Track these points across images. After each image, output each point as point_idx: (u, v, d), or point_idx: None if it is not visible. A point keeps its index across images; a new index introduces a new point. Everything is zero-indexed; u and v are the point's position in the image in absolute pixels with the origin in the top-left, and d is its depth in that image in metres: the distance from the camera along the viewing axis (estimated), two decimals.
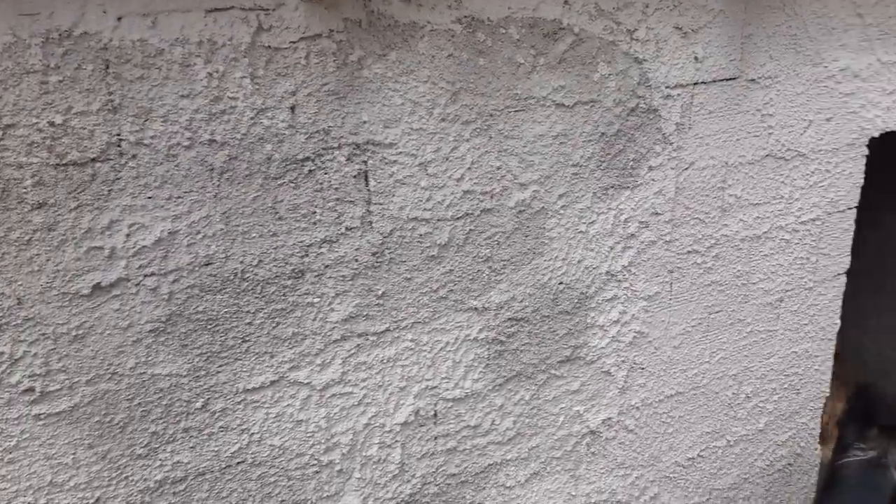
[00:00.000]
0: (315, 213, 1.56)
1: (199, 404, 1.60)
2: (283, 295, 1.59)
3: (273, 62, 1.44)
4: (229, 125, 1.43)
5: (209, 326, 1.54)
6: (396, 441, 1.87)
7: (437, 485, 1.98)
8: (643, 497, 2.42)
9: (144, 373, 1.51)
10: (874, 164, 2.55)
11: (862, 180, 2.46)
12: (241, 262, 1.53)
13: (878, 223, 4.12)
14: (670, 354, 2.29)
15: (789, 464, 2.77)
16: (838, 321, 2.64)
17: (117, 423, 1.52)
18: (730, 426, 2.53)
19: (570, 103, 1.81)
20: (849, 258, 2.56)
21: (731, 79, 2.04)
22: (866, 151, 2.41)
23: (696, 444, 2.48)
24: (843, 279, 2.58)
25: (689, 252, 2.19)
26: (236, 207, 1.49)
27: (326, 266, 1.61)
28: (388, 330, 1.75)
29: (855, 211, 2.49)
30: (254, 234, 1.52)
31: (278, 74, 1.45)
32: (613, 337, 2.16)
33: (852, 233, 2.52)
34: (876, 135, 2.40)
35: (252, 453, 1.69)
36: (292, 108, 1.48)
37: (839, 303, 2.61)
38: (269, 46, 1.42)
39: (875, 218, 4.07)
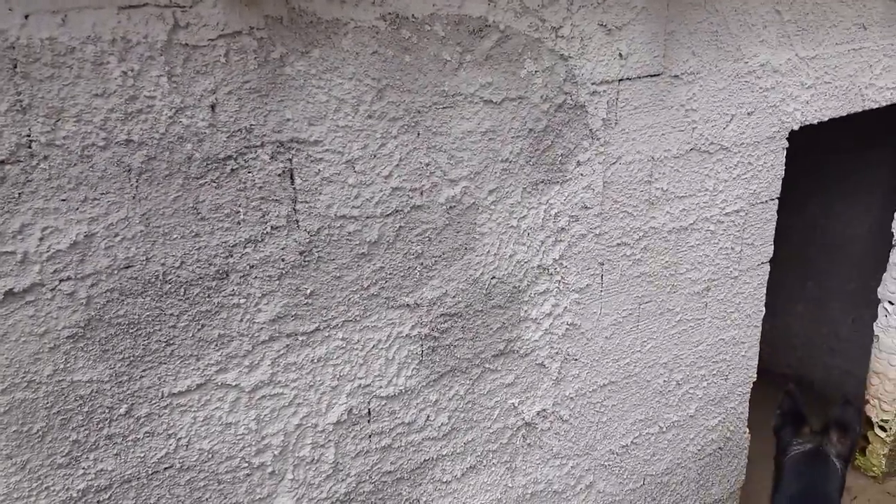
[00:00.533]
0: (239, 212, 1.54)
1: (122, 410, 1.56)
2: (208, 296, 1.56)
3: (191, 60, 1.40)
4: (147, 125, 1.40)
5: (131, 330, 1.51)
6: (329, 441, 1.86)
7: (372, 483, 1.98)
8: (579, 486, 2.46)
9: (63, 380, 1.46)
10: (798, 157, 2.63)
11: (783, 172, 2.53)
12: (163, 264, 1.50)
13: (802, 213, 4.25)
14: (602, 345, 2.33)
15: (720, 447, 2.84)
16: (763, 308, 2.72)
17: (36, 433, 1.47)
18: (662, 413, 2.59)
19: (498, 100, 1.82)
20: (771, 247, 2.63)
21: (655, 75, 2.07)
22: (786, 144, 2.49)
23: (630, 432, 2.53)
24: (767, 268, 2.66)
25: (618, 244, 2.23)
26: (156, 208, 1.45)
27: (252, 266, 1.59)
28: (318, 329, 1.74)
29: (777, 202, 2.56)
30: (175, 236, 1.49)
31: (197, 73, 1.42)
32: (546, 329, 2.18)
33: (774, 223, 2.60)
34: (795, 128, 2.48)
35: (180, 458, 1.66)
36: (212, 107, 1.44)
37: (763, 290, 2.69)
38: (187, 44, 1.39)
39: (799, 208, 4.20)
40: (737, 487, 3.01)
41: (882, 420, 3.64)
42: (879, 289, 3.47)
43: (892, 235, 3.37)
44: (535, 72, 1.85)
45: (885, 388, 3.58)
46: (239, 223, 1.55)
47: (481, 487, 2.22)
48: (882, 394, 3.60)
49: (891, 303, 3.44)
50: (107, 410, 1.53)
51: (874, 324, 3.54)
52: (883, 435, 3.66)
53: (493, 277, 2.00)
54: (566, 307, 2.19)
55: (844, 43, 2.49)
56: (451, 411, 2.07)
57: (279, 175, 1.56)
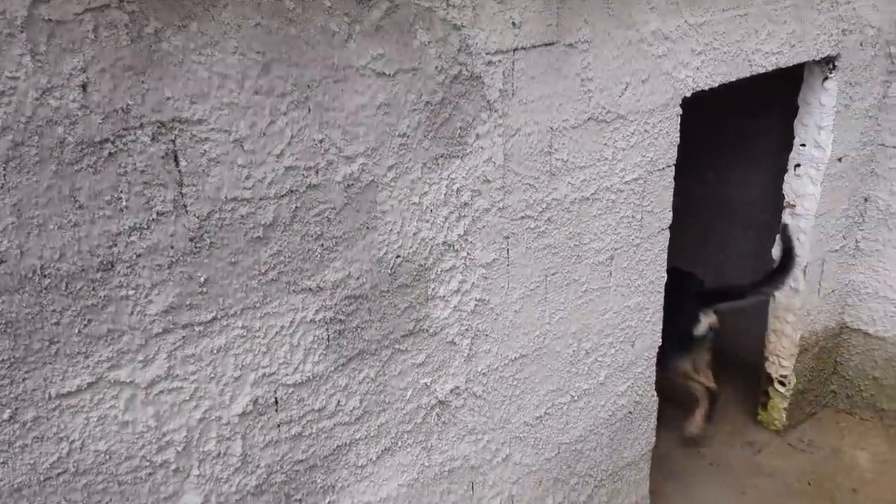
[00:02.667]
0: (121, 198, 1.45)
1: (5, 416, 1.45)
2: (93, 290, 1.47)
3: (56, 37, 1.30)
4: (10, 108, 1.29)
5: (9, 330, 1.40)
6: (236, 433, 1.79)
7: (284, 473, 1.92)
8: (495, 459, 2.46)
9: None
10: (694, 125, 2.69)
11: (678, 139, 2.58)
12: (41, 258, 1.40)
13: (700, 180, 4.37)
14: (512, 319, 2.33)
15: (630, 412, 2.90)
16: (665, 274, 2.78)
17: None
18: (573, 382, 2.62)
19: (391, 72, 1.78)
20: (670, 213, 2.69)
21: (549, 44, 2.07)
22: (680, 111, 2.53)
23: (543, 403, 2.55)
24: (667, 234, 2.71)
25: (522, 217, 2.22)
26: (28, 198, 1.35)
27: (139, 255, 1.50)
28: (215, 318, 1.67)
29: (673, 169, 2.61)
30: (52, 226, 1.39)
31: (64, 50, 1.32)
32: (455, 307, 2.16)
33: (672, 190, 2.65)
34: (688, 94, 2.53)
35: (74, 462, 1.56)
36: (83, 87, 1.35)
37: (665, 257, 2.75)
38: (51, 19, 1.29)
39: (697, 175, 4.32)
40: (647, 450, 3.08)
41: (781, 376, 3.80)
42: (774, 249, 3.61)
43: (783, 198, 3.51)
44: (429, 42, 1.81)
45: (783, 345, 3.74)
46: (121, 210, 1.46)
47: (398, 468, 2.19)
48: (780, 350, 3.76)
49: None
50: None
51: None
52: (782, 390, 3.83)
53: (398, 256, 1.97)
54: (474, 283, 2.18)
55: (731, 9, 2.55)
56: (363, 395, 2.03)
57: (162, 157, 1.48)
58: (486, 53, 1.94)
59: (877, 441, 3.87)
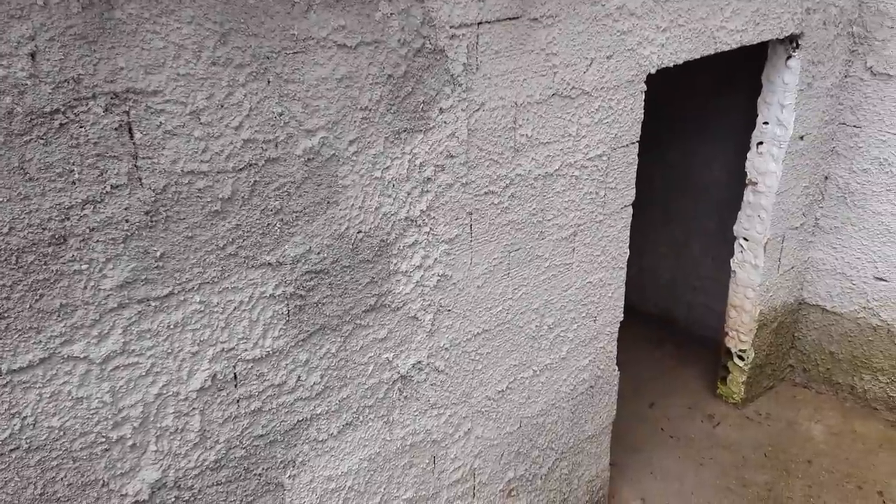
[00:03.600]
0: (73, 171, 1.41)
1: None
2: (45, 264, 1.44)
3: (3, 3, 1.26)
4: None
5: None
6: (194, 409, 1.78)
7: (243, 448, 1.91)
8: (457, 433, 2.48)
9: None
10: (659, 104, 2.69)
11: (642, 116, 2.58)
12: None
13: (664, 158, 4.40)
14: (475, 294, 2.33)
15: (591, 386, 2.93)
16: (627, 250, 2.80)
17: None
18: (535, 357, 2.63)
19: (353, 44, 1.75)
20: (633, 190, 2.70)
21: (514, 18, 2.05)
22: (644, 87, 2.53)
23: (505, 377, 2.56)
24: (630, 210, 2.72)
25: (486, 193, 2.22)
26: None
27: (92, 229, 1.47)
28: (172, 293, 1.64)
29: (637, 145, 2.62)
30: (1, 199, 1.35)
31: (11, 17, 1.28)
32: (417, 282, 2.16)
33: (636, 166, 2.66)
34: (653, 71, 2.53)
35: (27, 438, 1.54)
36: (32, 55, 1.31)
37: (627, 233, 2.76)
38: None
39: (662, 154, 4.35)
40: (608, 423, 3.12)
41: (740, 350, 3.87)
42: (735, 226, 3.65)
43: (746, 176, 3.54)
44: (391, 14, 1.79)
45: (742, 321, 3.80)
46: (74, 183, 1.43)
47: (359, 443, 2.19)
48: (739, 325, 3.82)
49: (745, 239, 3.63)
50: None
51: (731, 260, 3.72)
52: (741, 364, 3.89)
53: (360, 231, 1.95)
54: (436, 258, 2.17)
55: None
56: (324, 370, 2.02)
57: (116, 129, 1.44)
58: (450, 27, 1.92)
59: (831, 414, 3.96)
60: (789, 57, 3.21)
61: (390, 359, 2.19)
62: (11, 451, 1.53)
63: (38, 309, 1.46)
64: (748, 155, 3.50)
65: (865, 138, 3.56)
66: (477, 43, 2.00)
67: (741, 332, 3.83)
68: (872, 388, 3.90)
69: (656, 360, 4.45)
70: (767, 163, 3.44)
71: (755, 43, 2.91)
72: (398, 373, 2.22)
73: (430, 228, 2.12)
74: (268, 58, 1.61)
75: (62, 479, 1.62)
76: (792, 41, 3.17)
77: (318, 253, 1.89)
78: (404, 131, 1.95)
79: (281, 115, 1.68)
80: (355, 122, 1.83)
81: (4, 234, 1.37)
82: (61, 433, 1.58)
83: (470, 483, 2.60)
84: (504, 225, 2.32)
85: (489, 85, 2.08)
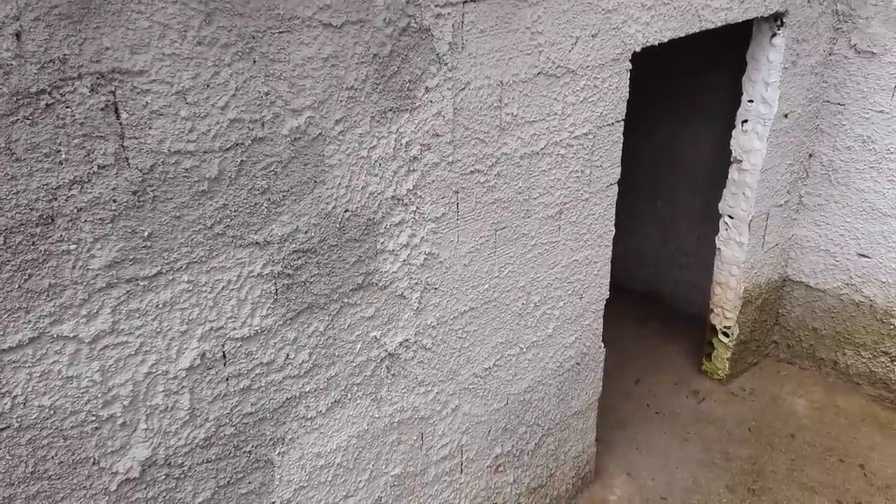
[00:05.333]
0: (60, 151, 1.42)
1: None
2: (33, 244, 1.45)
3: None
4: None
5: None
6: (183, 387, 1.80)
7: (233, 426, 1.93)
8: (445, 410, 2.50)
9: None
10: (646, 83, 2.71)
11: (627, 94, 2.60)
12: None
13: (651, 137, 4.42)
14: (461, 272, 2.35)
15: (577, 363, 2.97)
16: (613, 228, 2.82)
17: None
18: (522, 334, 2.66)
19: (339, 23, 1.75)
20: (619, 169, 2.72)
21: None
22: (630, 66, 2.55)
23: (492, 355, 2.59)
24: (615, 189, 2.75)
25: (472, 172, 2.23)
26: None
27: (80, 209, 1.48)
28: (160, 273, 1.65)
29: (622, 123, 2.64)
30: None
31: None
32: (404, 261, 2.17)
33: (621, 144, 2.67)
34: (638, 49, 2.54)
35: (18, 417, 1.55)
36: (17, 35, 1.31)
37: (613, 211, 2.78)
38: None
39: (648, 133, 4.36)
40: (594, 399, 3.16)
41: (725, 327, 3.92)
42: (720, 204, 3.68)
43: (731, 154, 3.57)
44: None
45: (727, 297, 3.84)
46: (61, 163, 1.43)
47: (347, 420, 2.22)
48: (724, 302, 3.86)
49: (730, 216, 3.66)
50: None
51: (716, 238, 3.76)
52: (726, 340, 3.94)
53: (346, 210, 1.97)
54: (423, 237, 2.19)
55: None
56: (312, 348, 2.04)
57: (102, 109, 1.44)
58: (436, 5, 1.93)
59: (815, 389, 4.02)
60: (774, 35, 3.23)
61: (378, 337, 2.21)
62: (2, 429, 1.54)
63: (27, 289, 1.47)
64: (733, 133, 3.53)
65: (849, 116, 3.59)
66: (462, 22, 2.00)
67: (726, 309, 3.87)
68: (855, 364, 3.96)
69: (642, 338, 4.49)
70: (752, 140, 3.46)
71: (740, 21, 2.92)
72: (386, 351, 2.24)
73: (417, 207, 2.14)
74: (253, 37, 1.61)
75: (53, 457, 1.63)
76: (776, 19, 3.18)
77: (306, 232, 1.90)
78: (390, 110, 1.96)
79: (267, 94, 1.68)
80: (341, 101, 1.84)
81: None
82: (52, 412, 1.60)
83: (457, 459, 2.63)
84: (490, 203, 2.33)
85: (475, 64, 2.09)
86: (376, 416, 2.30)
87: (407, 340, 2.29)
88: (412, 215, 2.13)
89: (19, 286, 1.46)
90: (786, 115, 3.45)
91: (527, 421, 2.85)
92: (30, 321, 1.50)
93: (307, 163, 1.83)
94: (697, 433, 3.73)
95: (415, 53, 1.94)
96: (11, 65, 1.32)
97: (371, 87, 1.88)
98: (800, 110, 3.52)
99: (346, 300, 2.07)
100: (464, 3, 1.98)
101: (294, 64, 1.71)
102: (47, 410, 1.59)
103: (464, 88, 2.09)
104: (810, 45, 3.38)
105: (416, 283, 2.24)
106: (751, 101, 3.42)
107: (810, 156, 3.75)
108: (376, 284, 2.13)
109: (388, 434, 2.35)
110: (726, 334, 3.93)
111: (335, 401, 2.16)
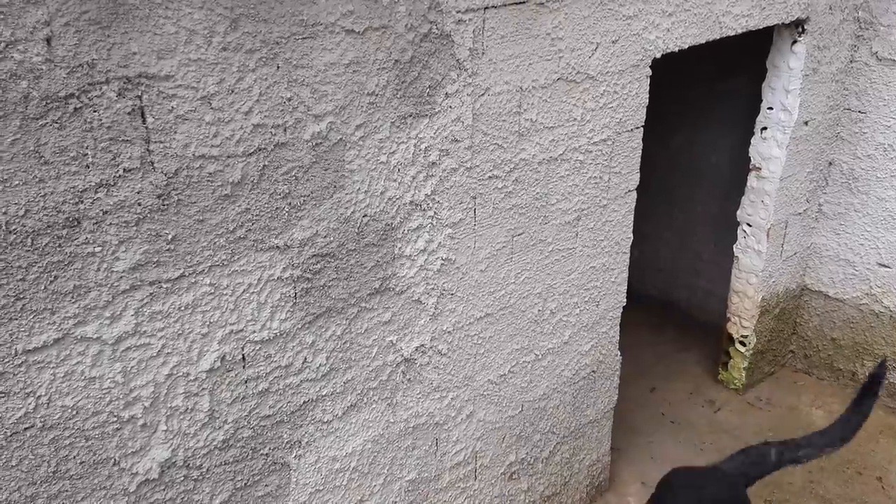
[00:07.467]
0: (87, 155, 1.44)
1: None
2: (59, 246, 1.47)
3: None
4: None
5: None
6: (203, 389, 1.81)
7: (251, 428, 1.95)
8: (460, 416, 2.51)
9: None
10: (664, 89, 2.70)
11: (647, 100, 2.60)
12: (5, 213, 1.39)
13: (668, 143, 4.40)
14: (478, 278, 2.36)
15: (593, 371, 2.96)
16: (631, 235, 2.82)
17: None
18: (537, 341, 2.66)
19: (361, 29, 1.76)
20: (638, 175, 2.72)
21: (520, 2, 2.06)
22: (650, 72, 2.55)
23: (507, 361, 2.59)
24: (634, 195, 2.74)
25: (490, 177, 2.24)
26: None
27: (105, 212, 1.49)
28: (183, 276, 1.67)
29: (642, 130, 2.64)
30: (17, 182, 1.38)
31: (27, 2, 1.29)
32: (421, 266, 2.18)
33: (640, 151, 2.67)
34: (658, 56, 2.54)
35: (41, 417, 1.57)
36: (48, 40, 1.33)
37: (631, 217, 2.78)
38: None
39: (666, 139, 4.35)
40: (610, 407, 3.15)
41: (742, 336, 3.90)
42: (738, 212, 3.67)
43: (750, 161, 3.55)
44: None
45: (745, 306, 3.82)
46: (87, 167, 1.45)
47: (363, 424, 2.23)
48: (742, 311, 3.84)
49: (749, 224, 3.65)
50: None
51: (734, 246, 3.74)
52: (743, 350, 3.92)
53: (365, 215, 1.98)
54: (440, 242, 2.20)
55: None
56: (329, 352, 2.05)
57: (129, 113, 1.46)
58: (457, 11, 1.94)
59: (832, 400, 3.99)
60: (795, 42, 3.22)
61: (394, 341, 2.22)
62: (26, 429, 1.56)
63: (53, 290, 1.49)
64: (752, 140, 3.52)
65: (870, 124, 3.56)
66: (483, 28, 2.01)
67: (743, 318, 3.86)
68: None
69: (657, 345, 4.48)
70: (771, 148, 3.45)
71: (761, 28, 2.92)
72: (402, 355, 2.25)
73: (435, 212, 2.14)
74: (277, 43, 1.63)
75: (75, 457, 1.65)
76: (798, 26, 3.17)
77: (325, 236, 1.91)
78: (410, 116, 1.97)
79: (290, 100, 1.70)
80: (362, 107, 1.85)
81: (20, 216, 1.40)
82: (74, 412, 1.62)
83: (472, 466, 2.63)
84: (508, 209, 2.34)
85: (494, 69, 2.10)
86: (391, 420, 2.31)
87: (423, 345, 2.30)
88: (430, 220, 2.14)
89: (45, 287, 1.48)
90: (806, 123, 3.43)
91: (541, 428, 2.84)
92: (55, 322, 1.52)
93: (328, 168, 1.84)
94: (713, 443, 3.71)
95: (435, 59, 1.95)
96: (42, 69, 1.34)
97: (391, 93, 1.90)
98: (820, 118, 3.51)
99: (363, 304, 2.08)
100: (485, 9, 1.99)
101: (316, 70, 1.72)
102: (70, 411, 1.61)
103: (483, 94, 2.10)
104: (831, 53, 3.37)
105: (433, 289, 2.24)
106: (770, 108, 3.41)
107: (830, 164, 3.73)
108: (393, 289, 2.14)
109: (403, 439, 2.36)
110: (743, 343, 3.91)
111: (351, 405, 2.17)
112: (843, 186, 3.74)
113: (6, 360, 1.49)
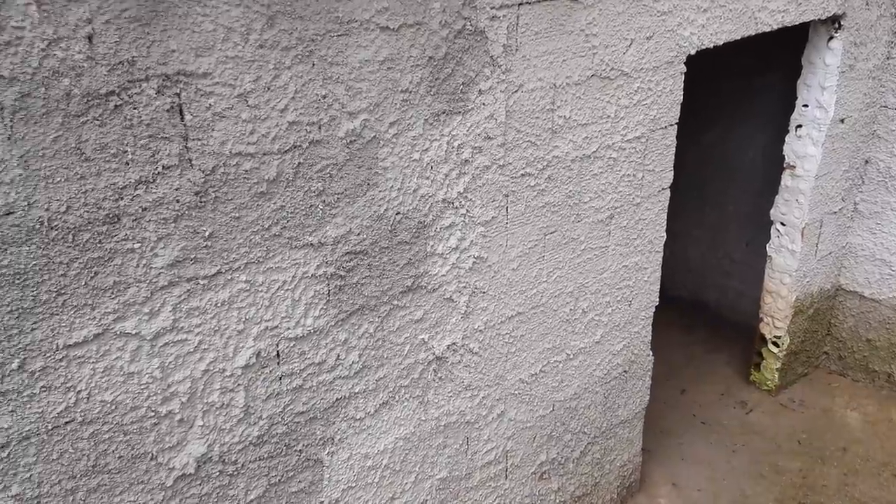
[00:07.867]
0: (126, 151, 1.45)
1: (14, 365, 1.47)
2: (99, 242, 1.48)
3: None
4: (17, 58, 1.29)
5: (17, 281, 1.42)
6: (239, 385, 1.82)
7: (285, 424, 1.96)
8: (490, 415, 2.50)
9: None
10: (696, 85, 2.68)
11: (681, 97, 2.57)
12: (48, 210, 1.41)
13: (700, 140, 4.36)
14: (510, 277, 2.35)
15: (625, 371, 2.94)
16: (664, 234, 2.79)
17: None
18: (569, 341, 2.65)
19: (395, 26, 1.77)
20: (672, 173, 2.69)
21: None
22: (684, 69, 2.52)
23: (539, 361, 2.58)
24: (668, 193, 2.72)
25: (522, 175, 2.23)
26: (35, 149, 1.36)
27: (144, 209, 1.51)
28: (219, 272, 1.68)
29: (676, 127, 2.61)
30: (59, 178, 1.40)
31: (69, 0, 1.31)
32: (454, 264, 2.18)
33: (674, 148, 2.65)
34: (692, 52, 2.51)
35: (81, 411, 1.59)
36: (89, 38, 1.35)
37: (664, 216, 2.76)
38: None
39: (698, 136, 4.31)
40: (641, 408, 3.13)
41: (775, 336, 3.85)
42: (772, 211, 3.62)
43: (784, 159, 3.51)
44: None
45: (778, 307, 3.77)
46: (127, 163, 1.46)
47: (395, 422, 2.23)
48: (775, 311, 3.79)
49: (783, 223, 3.60)
50: None
51: (767, 245, 3.70)
52: (776, 350, 3.87)
53: (398, 213, 1.98)
54: (472, 240, 2.19)
55: None
56: (362, 349, 2.06)
57: (167, 111, 1.48)
58: (491, 8, 1.93)
59: (867, 402, 3.93)
60: (831, 38, 3.17)
61: (426, 340, 2.22)
62: (67, 423, 1.58)
63: (93, 286, 1.51)
64: (787, 138, 3.47)
65: None
66: (517, 24, 2.00)
67: (776, 319, 3.81)
68: None
69: (688, 345, 4.44)
70: (806, 146, 3.40)
71: (797, 23, 2.88)
72: (433, 354, 2.25)
73: (467, 210, 2.14)
74: (313, 40, 1.63)
75: (113, 451, 1.67)
76: (834, 22, 3.13)
77: (358, 234, 1.91)
78: (443, 113, 1.96)
79: (324, 97, 1.70)
80: (396, 104, 1.85)
81: (62, 212, 1.42)
82: (113, 407, 1.63)
83: (502, 465, 2.63)
84: (540, 207, 2.33)
85: (528, 66, 2.09)
86: (423, 418, 2.31)
87: (454, 344, 2.29)
88: (462, 218, 2.14)
89: (85, 283, 1.50)
90: (842, 121, 3.38)
91: (572, 428, 2.83)
92: (94, 318, 1.54)
93: (361, 165, 1.85)
94: (745, 444, 3.67)
95: (469, 56, 1.95)
96: (83, 66, 1.36)
97: (425, 90, 1.89)
98: (856, 115, 3.45)
99: (395, 302, 2.08)
100: (519, 5, 1.98)
101: (351, 67, 1.72)
102: (109, 405, 1.63)
103: (517, 91, 2.09)
104: (868, 49, 3.32)
105: (465, 287, 2.24)
106: (805, 105, 3.36)
107: (866, 162, 3.67)
108: (425, 287, 2.14)
109: (434, 437, 2.36)
110: (776, 344, 3.86)
111: (383, 402, 2.17)
112: (879, 185, 3.68)
113: (48, 354, 1.51)
